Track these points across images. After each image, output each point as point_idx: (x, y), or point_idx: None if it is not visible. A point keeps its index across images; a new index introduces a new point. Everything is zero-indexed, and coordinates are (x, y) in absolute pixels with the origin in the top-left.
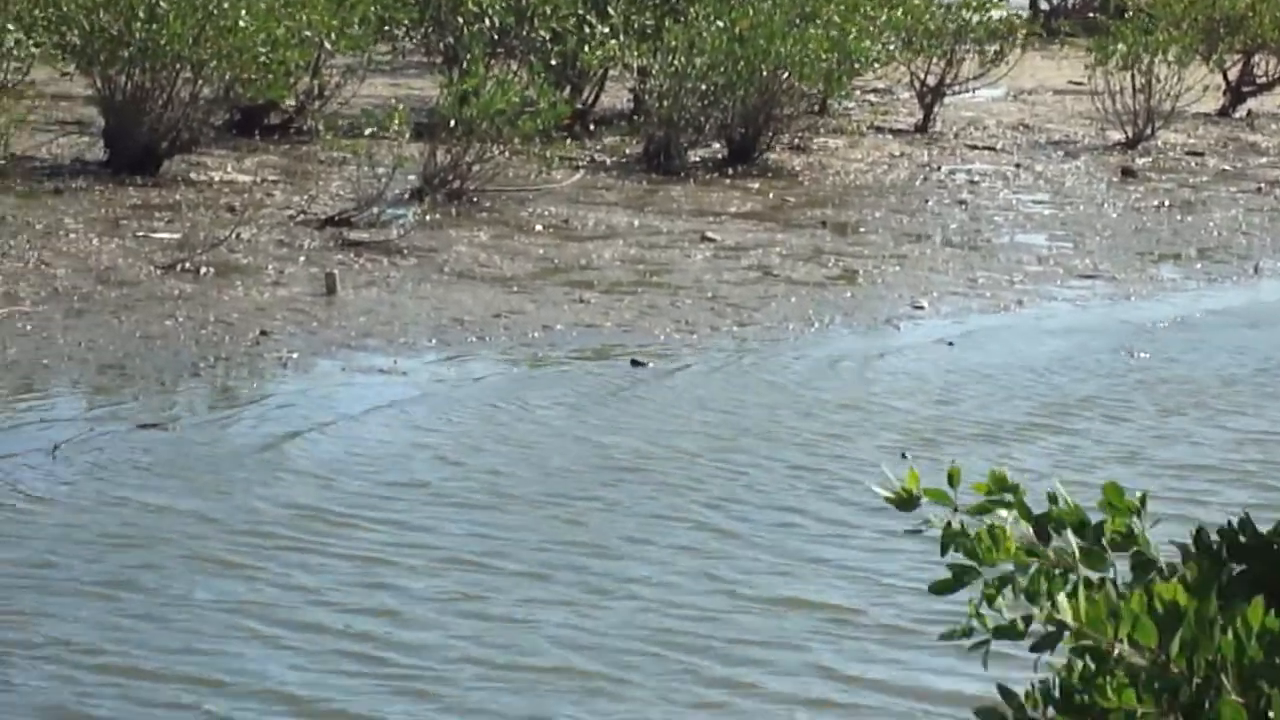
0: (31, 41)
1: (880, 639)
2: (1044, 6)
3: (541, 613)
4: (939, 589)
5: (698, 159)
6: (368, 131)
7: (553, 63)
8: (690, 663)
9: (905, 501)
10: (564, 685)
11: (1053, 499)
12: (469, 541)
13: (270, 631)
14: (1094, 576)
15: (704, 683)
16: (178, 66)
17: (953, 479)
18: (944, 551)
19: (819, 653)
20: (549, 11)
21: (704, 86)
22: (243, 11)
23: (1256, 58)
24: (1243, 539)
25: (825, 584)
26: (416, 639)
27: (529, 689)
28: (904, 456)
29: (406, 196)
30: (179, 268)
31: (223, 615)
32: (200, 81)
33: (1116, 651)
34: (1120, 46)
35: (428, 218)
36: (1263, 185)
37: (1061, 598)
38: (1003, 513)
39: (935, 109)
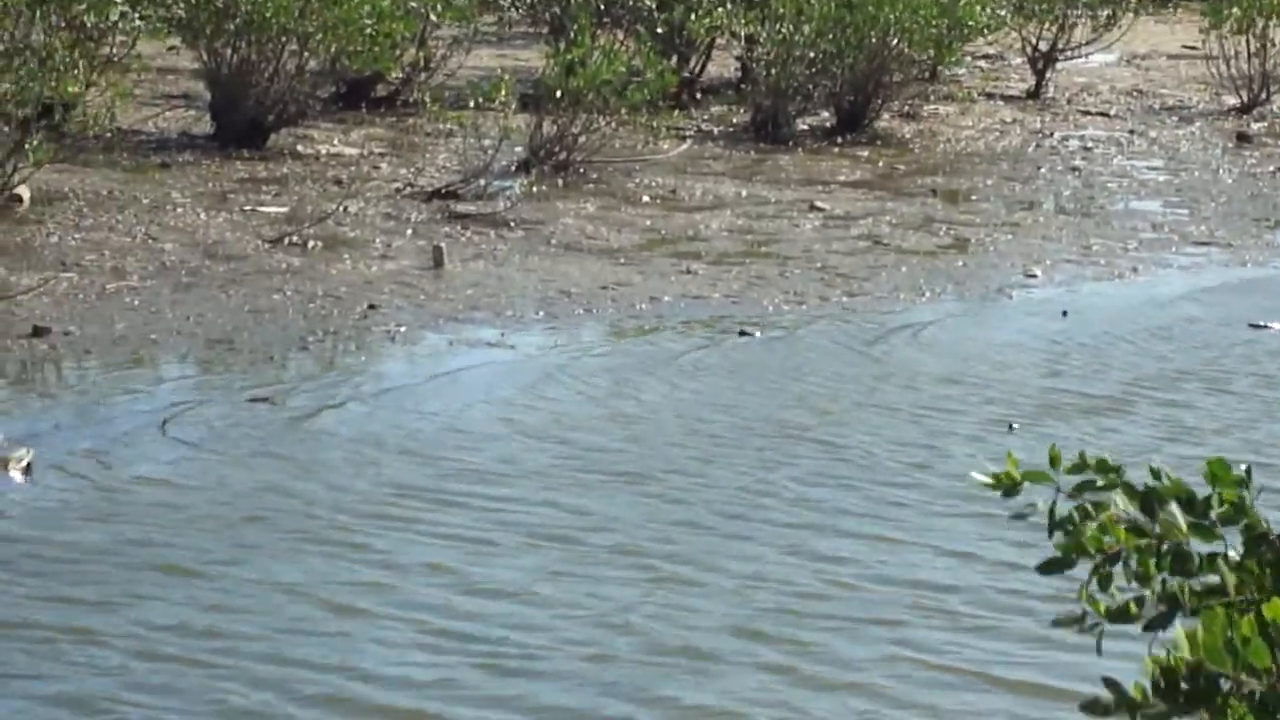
0: (138, 15)
1: (977, 619)
2: None
3: (639, 589)
4: (1046, 569)
5: (806, 127)
6: (473, 103)
7: (659, 32)
8: (784, 640)
9: (1007, 487)
10: (659, 662)
11: (1156, 474)
12: (571, 517)
13: (376, 609)
14: (1204, 550)
15: (798, 660)
16: (283, 39)
17: (1054, 460)
18: (1051, 534)
19: (914, 631)
20: None
21: (812, 54)
22: None
23: None
24: None
25: (924, 561)
26: (516, 615)
27: (624, 666)
28: (1011, 429)
29: (513, 168)
30: (286, 241)
31: (328, 592)
32: (306, 54)
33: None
34: (1234, 10)
35: (534, 189)
36: None
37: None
38: (1109, 493)
39: (1047, 75)
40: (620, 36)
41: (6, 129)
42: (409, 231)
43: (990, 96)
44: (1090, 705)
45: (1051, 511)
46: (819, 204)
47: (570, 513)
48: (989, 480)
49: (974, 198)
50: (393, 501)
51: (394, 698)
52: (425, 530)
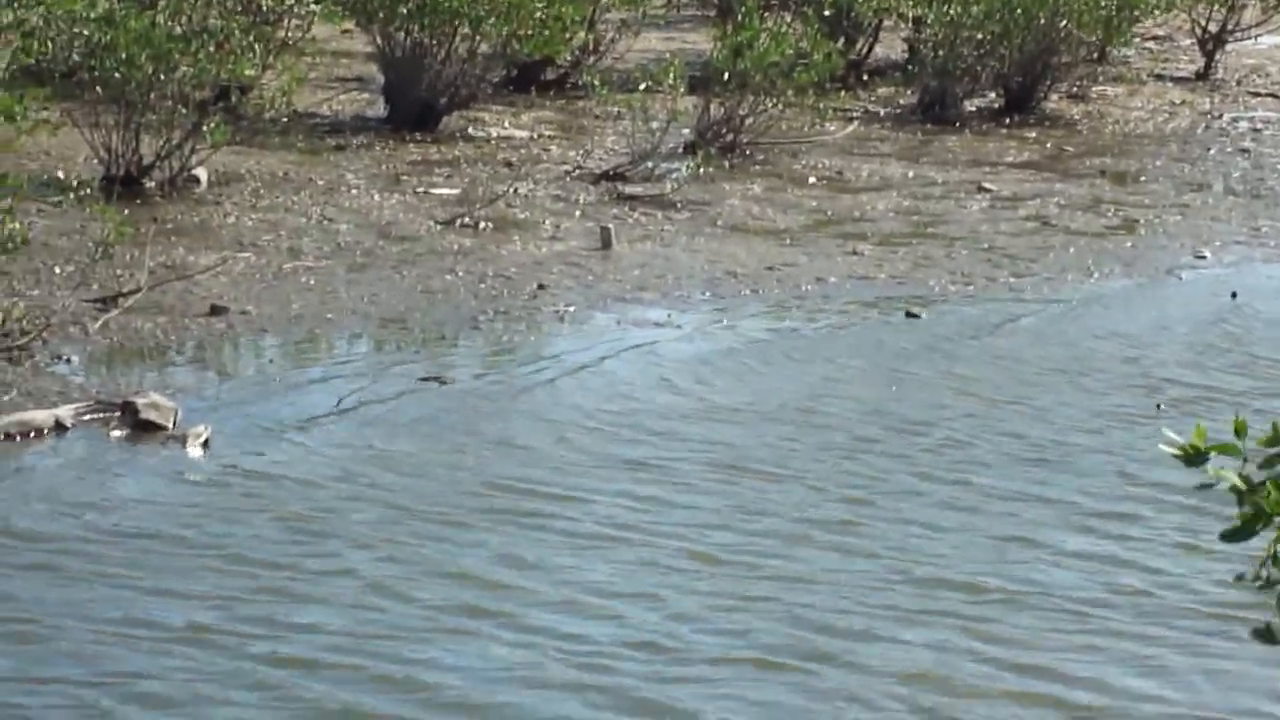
0: None
1: (1149, 594)
2: None
3: (808, 567)
4: (1230, 537)
5: (973, 108)
6: (642, 86)
7: (826, 14)
8: (954, 614)
9: (1193, 457)
10: (831, 636)
11: None
12: (738, 497)
13: (549, 585)
14: None
15: (968, 636)
16: (456, 23)
17: (1240, 431)
18: (1240, 503)
19: (1088, 605)
20: None
21: (980, 35)
22: None
23: None
24: None
25: (1094, 539)
26: (685, 589)
27: (794, 639)
28: (1159, 409)
29: (680, 150)
30: (458, 223)
31: (504, 566)
32: (478, 38)
33: None
34: None
35: (701, 171)
36: None
37: None
38: None
39: (1216, 56)
40: (787, 19)
41: (184, 111)
42: (577, 213)
43: (1159, 78)
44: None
45: (1243, 480)
46: (986, 185)
47: (742, 491)
48: (1176, 451)
49: (1142, 179)
50: (564, 477)
51: (625, 661)
52: (603, 503)
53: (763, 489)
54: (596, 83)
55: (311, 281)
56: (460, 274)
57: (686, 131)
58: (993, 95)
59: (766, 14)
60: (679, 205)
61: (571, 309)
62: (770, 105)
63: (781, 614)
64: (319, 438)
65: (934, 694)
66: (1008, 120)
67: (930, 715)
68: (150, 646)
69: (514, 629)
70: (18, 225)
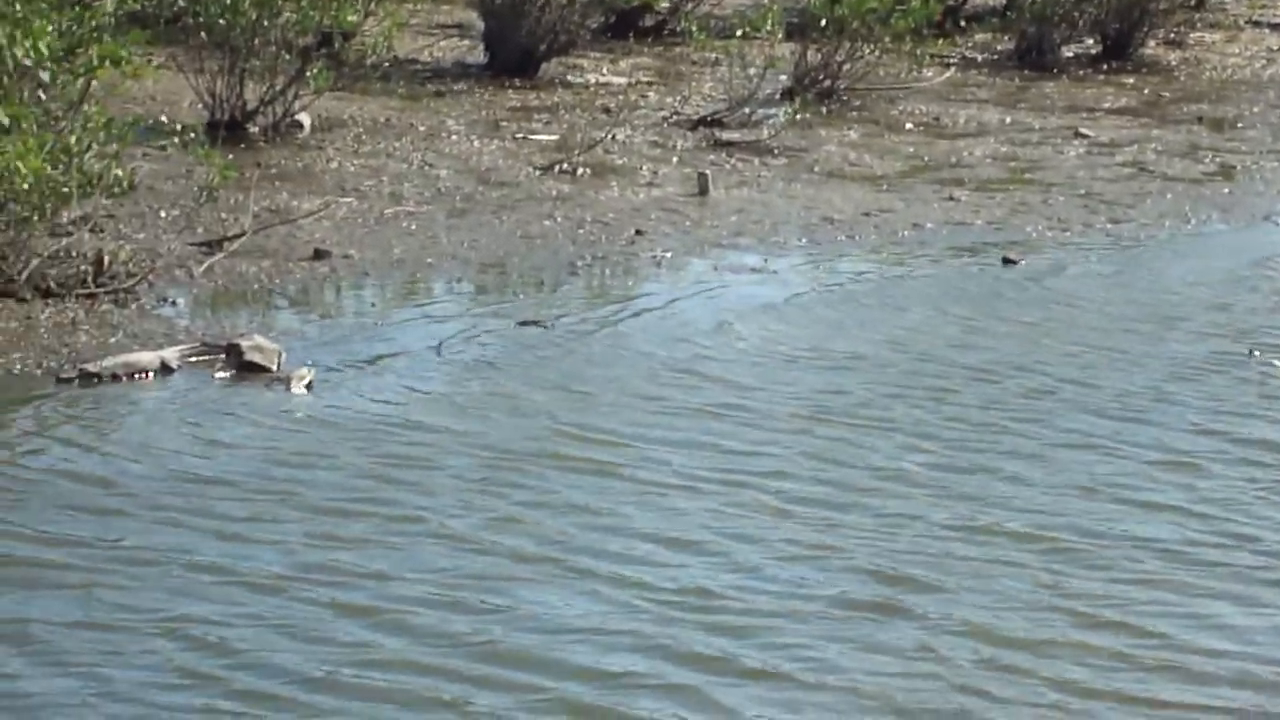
0: None
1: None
2: None
3: (886, 516)
4: None
5: (1070, 54)
6: (740, 32)
7: None
8: (1029, 565)
9: None
10: (903, 586)
11: None
12: (831, 447)
13: (628, 534)
14: None
15: (1042, 588)
16: None
17: None
18: None
19: (1166, 557)
20: None
21: None
22: None
23: None
24: None
25: (1178, 489)
26: (759, 538)
27: (866, 589)
28: (1250, 354)
29: (777, 96)
30: (557, 168)
31: (582, 516)
32: None
33: None
34: None
35: (798, 117)
36: None
37: None
38: None
39: None
40: None
41: (288, 57)
42: (675, 159)
43: (1257, 24)
44: None
45: None
46: (1083, 131)
47: (836, 440)
48: None
49: (1240, 125)
50: (655, 424)
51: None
52: (691, 451)
53: (847, 437)
54: (694, 29)
55: (412, 226)
56: (558, 219)
57: (783, 78)
58: (1090, 41)
59: None
60: (776, 151)
61: (668, 254)
62: (867, 51)
63: (855, 564)
64: (419, 381)
65: (1004, 646)
66: (1105, 66)
67: (1000, 667)
68: (236, 592)
69: (591, 577)
70: (124, 170)
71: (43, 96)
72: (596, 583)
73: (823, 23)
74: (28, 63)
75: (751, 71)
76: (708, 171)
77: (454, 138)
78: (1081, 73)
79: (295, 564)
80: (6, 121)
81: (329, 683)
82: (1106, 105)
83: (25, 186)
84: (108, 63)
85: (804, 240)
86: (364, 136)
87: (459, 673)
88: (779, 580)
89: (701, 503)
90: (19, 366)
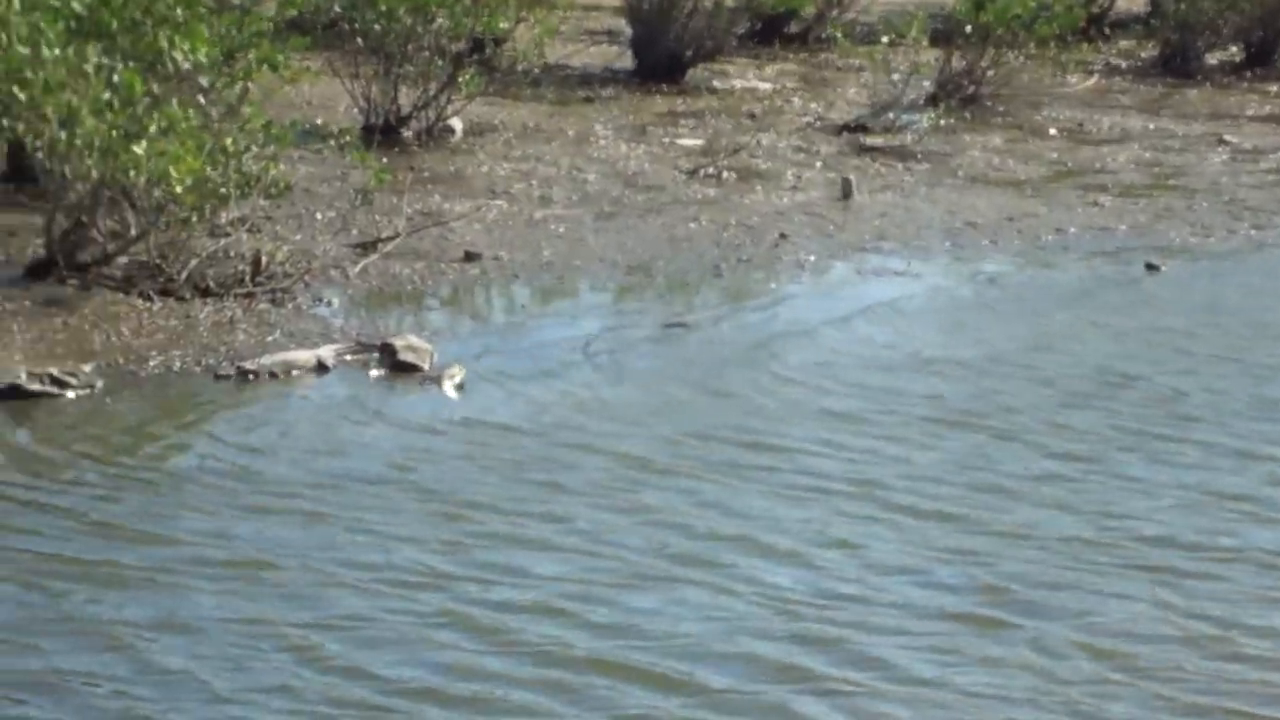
0: None
1: None
2: None
3: (1014, 521)
4: None
5: (1214, 62)
6: (885, 39)
7: None
8: (1154, 570)
9: None
10: (1028, 588)
11: None
12: (953, 450)
13: (761, 536)
14: None
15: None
16: None
17: None
18: None
19: None
20: None
21: None
22: None
23: None
24: None
25: None
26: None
27: (991, 592)
28: None
29: (921, 102)
30: (702, 173)
31: (713, 519)
32: None
33: None
34: None
35: (942, 123)
36: None
37: None
38: None
39: None
40: None
41: (441, 63)
42: (819, 164)
43: None
44: None
45: None
46: (1227, 138)
47: (970, 449)
48: None
49: None
50: (801, 425)
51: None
52: (828, 455)
53: (984, 443)
54: (839, 35)
55: (561, 229)
56: (704, 223)
57: (927, 84)
58: (1234, 49)
59: None
60: (919, 156)
61: (812, 258)
62: (1012, 58)
63: (982, 567)
64: (565, 381)
65: (1125, 651)
66: (1248, 74)
67: (1121, 670)
68: (372, 589)
69: (722, 577)
70: (282, 171)
71: (202, 101)
72: (732, 584)
73: (967, 29)
74: (187, 66)
75: (896, 77)
76: (851, 176)
77: (602, 142)
78: (1225, 80)
79: (418, 565)
80: (166, 124)
81: (493, 675)
82: (1250, 112)
83: (180, 189)
84: (266, 67)
85: (947, 244)
86: (514, 141)
87: (581, 673)
88: (904, 588)
89: (832, 505)
90: (178, 364)
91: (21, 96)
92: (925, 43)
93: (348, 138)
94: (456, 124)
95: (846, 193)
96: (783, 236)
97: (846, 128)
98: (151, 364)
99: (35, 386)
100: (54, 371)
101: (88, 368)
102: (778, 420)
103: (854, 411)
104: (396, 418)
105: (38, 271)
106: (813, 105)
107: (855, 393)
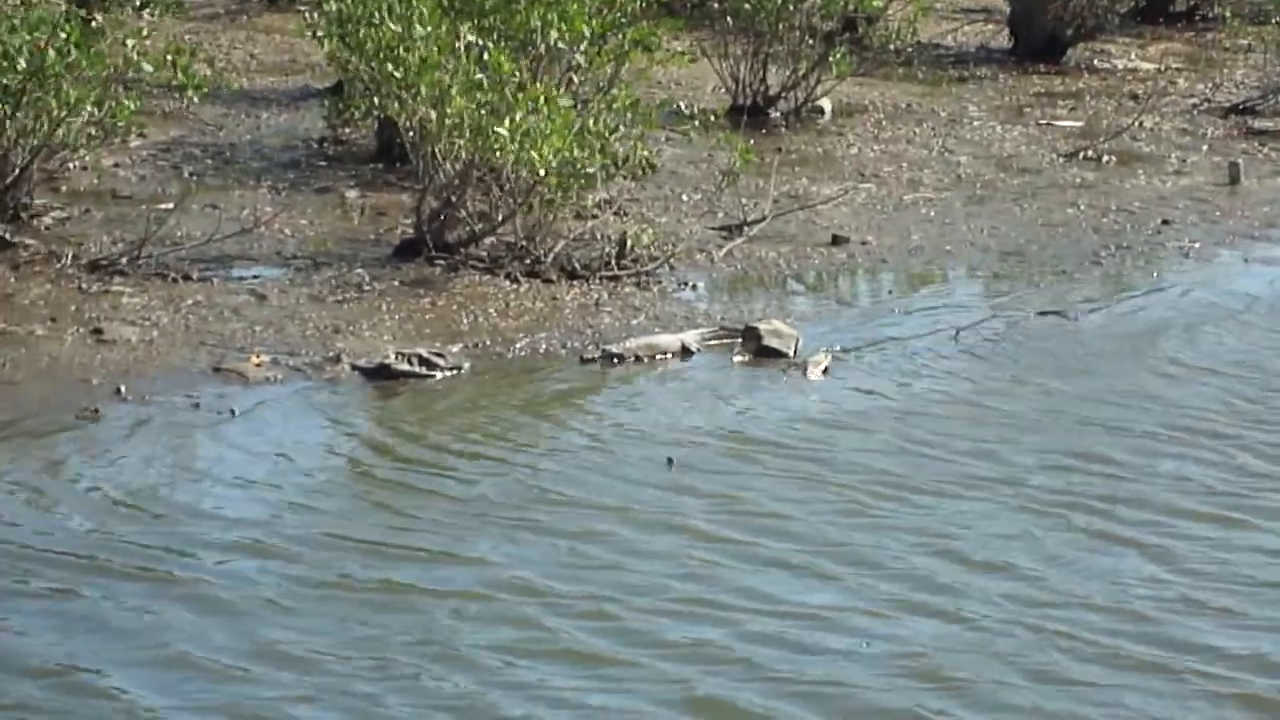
0: None
1: None
2: None
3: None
4: None
5: None
6: (1276, 19)
7: None
8: None
9: None
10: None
11: None
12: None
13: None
14: None
15: None
16: None
17: None
18: None
19: None
20: None
21: None
22: None
23: None
24: None
25: None
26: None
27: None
28: None
29: None
30: (1081, 156)
31: (1128, 514)
32: None
33: None
34: None
35: None
36: None
37: None
38: None
39: None
40: None
41: (811, 42)
42: (1204, 147)
43: None
44: None
45: None
46: None
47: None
48: None
49: None
50: (1174, 424)
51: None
52: (1206, 455)
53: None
54: (1228, 14)
55: (931, 213)
56: (1081, 208)
57: None
58: None
59: None
60: None
61: (1195, 245)
62: None
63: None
64: (935, 369)
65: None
66: None
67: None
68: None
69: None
70: (648, 153)
71: (575, 80)
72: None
73: None
74: (562, 45)
75: None
76: (1239, 160)
77: (975, 123)
78: None
79: (812, 546)
80: (533, 104)
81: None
82: None
83: (545, 170)
84: (640, 48)
85: None
86: (884, 122)
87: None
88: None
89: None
90: (544, 346)
91: (396, 74)
92: None
93: (714, 119)
94: (825, 104)
95: (1234, 178)
96: (1165, 223)
97: (1234, 110)
98: (518, 346)
99: (404, 366)
100: (422, 352)
101: (455, 349)
102: (1149, 416)
103: (1236, 408)
104: (763, 404)
105: (406, 252)
106: (1199, 87)
107: (1236, 387)
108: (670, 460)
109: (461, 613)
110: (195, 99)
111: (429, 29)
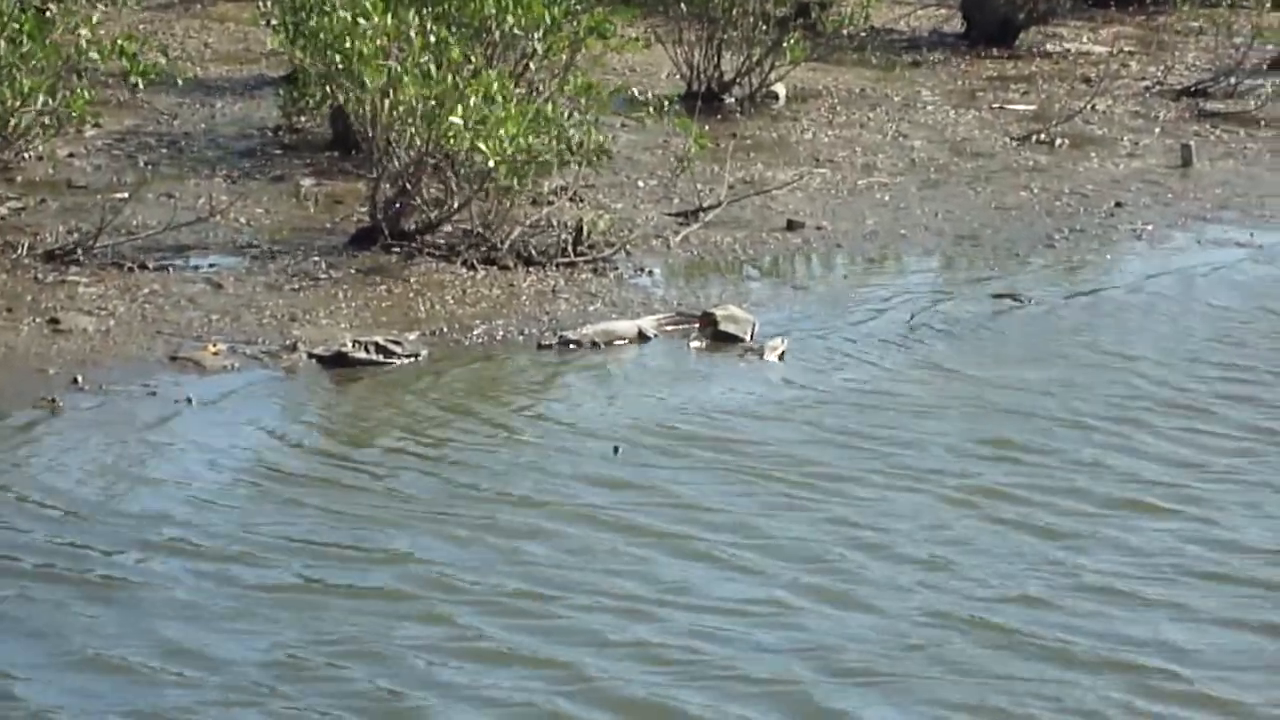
0: None
1: None
2: None
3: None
4: None
5: None
6: (1226, 1)
7: None
8: None
9: None
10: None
11: None
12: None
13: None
14: None
15: None
16: None
17: None
18: None
19: None
20: None
21: None
22: None
23: None
24: None
25: None
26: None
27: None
28: None
29: (1264, 67)
30: (1033, 139)
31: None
32: None
33: None
34: None
35: None
36: None
37: None
38: None
39: None
40: None
41: (765, 28)
42: (1156, 130)
43: None
44: None
45: None
46: None
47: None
48: None
49: None
50: (1138, 401)
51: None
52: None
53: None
54: None
55: (885, 198)
56: (1035, 191)
57: (1271, 47)
58: None
59: None
60: (1263, 123)
61: (1149, 227)
62: None
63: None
64: (890, 352)
65: None
66: None
67: None
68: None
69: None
70: (603, 139)
71: (532, 67)
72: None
73: None
74: (518, 32)
75: (1238, 41)
76: (1191, 143)
77: (928, 108)
78: None
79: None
80: (486, 91)
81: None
82: None
83: (496, 161)
84: (595, 34)
85: None
86: (838, 107)
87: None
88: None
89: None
90: (501, 333)
91: (341, 65)
92: (1268, 5)
93: (669, 104)
94: (780, 90)
95: (1186, 160)
96: (1118, 205)
97: (1186, 93)
98: (475, 333)
99: (361, 354)
100: (379, 340)
101: (412, 336)
102: (1106, 396)
103: (1193, 393)
104: (718, 389)
105: (362, 240)
106: (1150, 69)
107: (1194, 369)
108: (616, 448)
109: (390, 611)
110: (143, 87)
111: (375, 20)
